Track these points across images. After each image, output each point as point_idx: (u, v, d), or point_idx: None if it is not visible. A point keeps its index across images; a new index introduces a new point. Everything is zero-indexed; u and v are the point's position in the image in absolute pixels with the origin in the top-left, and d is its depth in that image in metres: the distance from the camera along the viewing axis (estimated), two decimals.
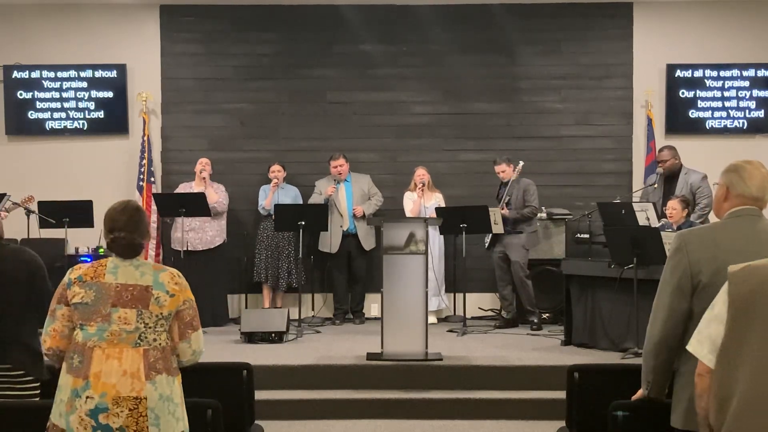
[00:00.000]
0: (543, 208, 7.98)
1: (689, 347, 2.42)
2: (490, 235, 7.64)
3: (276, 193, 7.99)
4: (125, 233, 2.89)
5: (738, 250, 2.68)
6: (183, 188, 8.07)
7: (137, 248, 2.91)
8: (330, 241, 7.92)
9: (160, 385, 2.81)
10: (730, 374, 2.25)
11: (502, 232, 7.53)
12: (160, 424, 2.78)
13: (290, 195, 8.10)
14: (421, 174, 7.98)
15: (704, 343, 2.36)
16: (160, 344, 2.85)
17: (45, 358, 3.23)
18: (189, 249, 7.72)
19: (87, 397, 2.74)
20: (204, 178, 7.91)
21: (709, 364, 2.33)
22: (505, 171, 7.64)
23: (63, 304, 2.87)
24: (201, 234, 7.83)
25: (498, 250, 7.63)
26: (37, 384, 3.51)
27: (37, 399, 3.49)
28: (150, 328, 2.83)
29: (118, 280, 2.84)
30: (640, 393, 3.00)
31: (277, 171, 8.07)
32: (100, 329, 2.80)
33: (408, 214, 7.94)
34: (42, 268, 3.55)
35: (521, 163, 7.60)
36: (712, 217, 6.77)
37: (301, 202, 8.11)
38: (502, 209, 7.47)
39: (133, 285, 2.84)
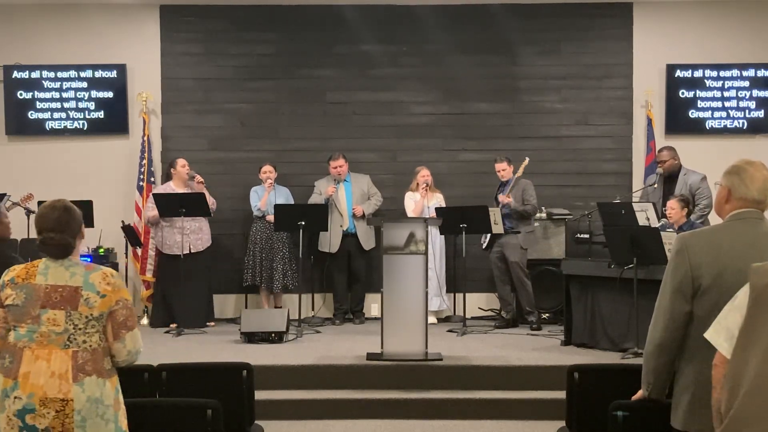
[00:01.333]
0: (543, 208, 7.98)
1: (707, 335, 2.44)
2: (488, 235, 7.63)
3: (270, 193, 7.99)
4: (54, 234, 2.88)
5: (739, 254, 2.68)
6: (163, 189, 7.93)
7: (68, 248, 2.90)
8: (330, 241, 7.92)
9: (88, 387, 2.80)
10: (743, 361, 2.27)
11: (502, 232, 7.53)
12: (86, 427, 2.78)
13: (283, 195, 8.09)
14: (425, 174, 7.97)
15: (721, 332, 2.38)
16: (90, 346, 2.84)
17: None
18: (192, 251, 7.70)
19: (15, 398, 2.77)
20: (201, 182, 7.84)
21: (724, 352, 2.35)
22: (506, 170, 7.65)
23: None
24: (200, 235, 7.81)
25: (495, 250, 7.63)
26: None
27: None
28: (80, 329, 2.82)
29: (48, 282, 2.84)
30: (640, 394, 3.00)
31: (269, 171, 8.05)
32: (30, 330, 2.81)
33: (410, 214, 7.93)
34: None
35: (527, 159, 7.59)
36: (712, 217, 6.77)
37: (292, 202, 8.10)
38: (508, 197, 7.43)
39: (62, 286, 2.83)
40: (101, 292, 2.85)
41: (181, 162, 7.91)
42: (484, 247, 7.79)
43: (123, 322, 2.89)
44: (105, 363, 2.88)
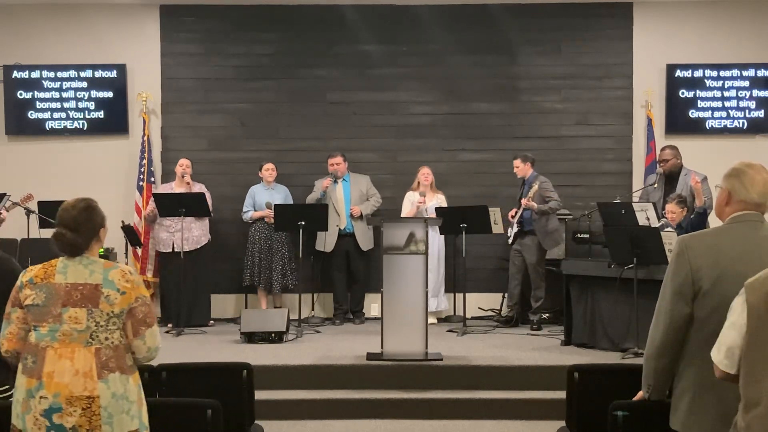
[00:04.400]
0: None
1: (711, 353, 2.43)
2: (514, 232, 7.59)
3: (269, 192, 8.00)
4: (66, 231, 2.90)
5: (739, 257, 2.68)
6: (163, 189, 7.99)
7: (76, 248, 2.90)
8: (325, 240, 7.92)
9: (113, 383, 2.82)
10: (755, 379, 2.27)
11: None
12: (113, 423, 2.80)
13: (282, 194, 8.08)
14: (425, 173, 7.97)
15: (721, 349, 2.37)
16: (112, 342, 2.85)
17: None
18: (175, 250, 7.68)
19: (41, 397, 2.77)
20: (188, 183, 7.84)
21: (724, 369, 2.35)
22: (519, 168, 7.63)
23: (17, 307, 2.89)
24: (187, 234, 7.75)
25: (515, 248, 7.63)
26: (7, 387, 3.49)
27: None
28: (101, 326, 2.83)
29: (67, 280, 2.85)
30: (640, 395, 3.00)
31: (272, 169, 8.07)
32: (52, 330, 2.82)
33: (403, 215, 7.92)
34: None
35: (536, 185, 7.38)
36: (712, 219, 6.77)
37: (291, 201, 8.10)
38: (529, 201, 7.32)
39: (82, 284, 2.85)
40: (121, 289, 2.86)
41: (179, 162, 7.96)
42: (510, 242, 7.73)
43: (142, 319, 2.91)
44: (127, 359, 2.89)
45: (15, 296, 2.90)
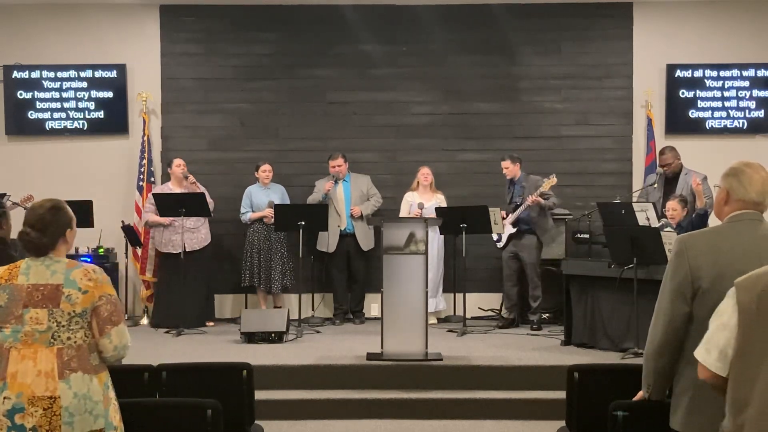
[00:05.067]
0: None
1: (697, 354, 2.41)
2: (507, 234, 7.59)
3: (266, 192, 8.00)
4: (30, 230, 2.90)
5: (738, 256, 2.68)
6: (161, 190, 7.94)
7: (41, 249, 2.90)
8: (327, 241, 7.92)
9: (75, 383, 2.81)
10: (746, 380, 2.25)
11: (502, 231, 7.53)
12: (74, 422, 2.80)
13: (278, 194, 8.08)
14: (425, 173, 7.97)
15: (712, 351, 2.35)
16: (75, 342, 2.85)
17: None
18: (187, 250, 7.64)
19: (5, 398, 2.78)
20: (194, 182, 7.82)
21: (716, 371, 2.33)
22: (509, 168, 7.63)
23: None
24: (195, 234, 7.78)
25: (510, 249, 7.61)
26: None
27: None
28: (63, 326, 2.83)
29: (29, 281, 2.86)
30: (640, 395, 3.00)
31: (269, 171, 8.06)
32: (15, 331, 2.83)
33: (401, 215, 7.91)
34: None
35: (554, 177, 7.43)
36: (712, 218, 6.77)
37: (288, 201, 8.10)
38: (536, 198, 7.29)
39: (43, 284, 2.85)
40: (82, 288, 2.86)
41: (176, 162, 7.93)
42: (500, 246, 7.72)
43: (107, 318, 2.90)
44: (91, 359, 2.88)
45: None
